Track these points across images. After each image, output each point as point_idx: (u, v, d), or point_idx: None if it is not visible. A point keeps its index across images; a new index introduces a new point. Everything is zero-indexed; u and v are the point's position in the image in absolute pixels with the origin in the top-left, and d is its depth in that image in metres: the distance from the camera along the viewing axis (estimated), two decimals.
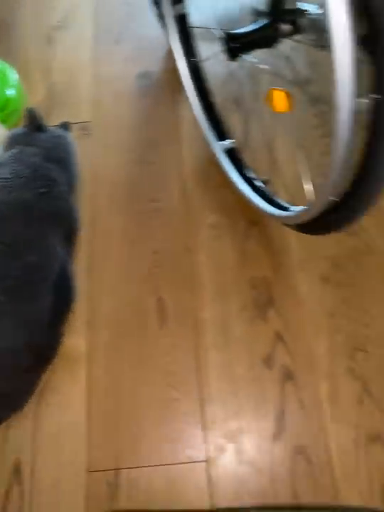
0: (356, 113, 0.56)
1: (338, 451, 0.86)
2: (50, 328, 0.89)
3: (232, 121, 1.14)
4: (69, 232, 0.96)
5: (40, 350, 0.89)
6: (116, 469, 0.87)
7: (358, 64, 0.56)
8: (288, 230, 1.04)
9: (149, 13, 1.37)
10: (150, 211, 1.12)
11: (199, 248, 1.07)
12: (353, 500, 0.82)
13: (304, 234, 0.96)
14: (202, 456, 0.87)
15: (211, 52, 0.94)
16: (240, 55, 0.82)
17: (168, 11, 1.01)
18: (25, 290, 0.84)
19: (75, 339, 0.97)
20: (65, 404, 0.93)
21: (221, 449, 0.88)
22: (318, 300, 0.99)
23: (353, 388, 0.90)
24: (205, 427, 0.90)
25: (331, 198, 0.71)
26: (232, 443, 0.88)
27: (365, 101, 0.55)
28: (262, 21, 0.80)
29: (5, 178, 0.91)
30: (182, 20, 1.04)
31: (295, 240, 1.05)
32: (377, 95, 0.54)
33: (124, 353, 0.97)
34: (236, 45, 0.79)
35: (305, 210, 0.80)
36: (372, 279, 0.99)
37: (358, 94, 0.56)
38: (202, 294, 1.02)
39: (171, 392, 0.93)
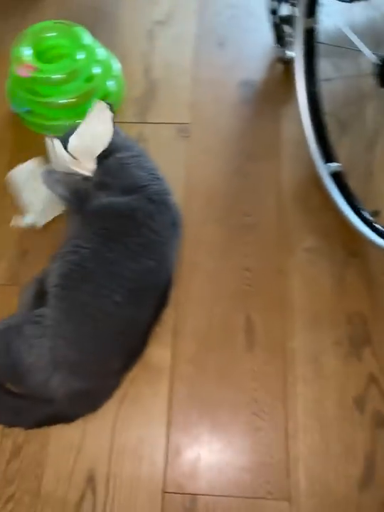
0: None
1: None
2: (146, 335, 0.86)
3: (341, 145, 1.09)
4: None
5: (131, 356, 0.86)
6: (194, 494, 0.83)
7: None
8: None
9: (254, 19, 1.33)
10: (243, 226, 1.08)
11: (293, 271, 1.02)
12: None
13: None
14: (284, 495, 0.83)
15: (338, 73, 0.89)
16: None
17: (300, 24, 0.97)
18: (139, 294, 0.82)
19: (160, 350, 0.93)
20: (146, 416, 0.89)
21: (306, 491, 0.83)
22: None
23: None
24: (288, 464, 0.85)
25: None
26: (317, 485, 0.83)
27: None
28: None
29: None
30: (309, 35, 0.99)
31: None
32: None
33: (208, 369, 0.93)
34: None
35: None
36: None
37: None
38: (293, 320, 0.97)
39: (255, 420, 0.88)
